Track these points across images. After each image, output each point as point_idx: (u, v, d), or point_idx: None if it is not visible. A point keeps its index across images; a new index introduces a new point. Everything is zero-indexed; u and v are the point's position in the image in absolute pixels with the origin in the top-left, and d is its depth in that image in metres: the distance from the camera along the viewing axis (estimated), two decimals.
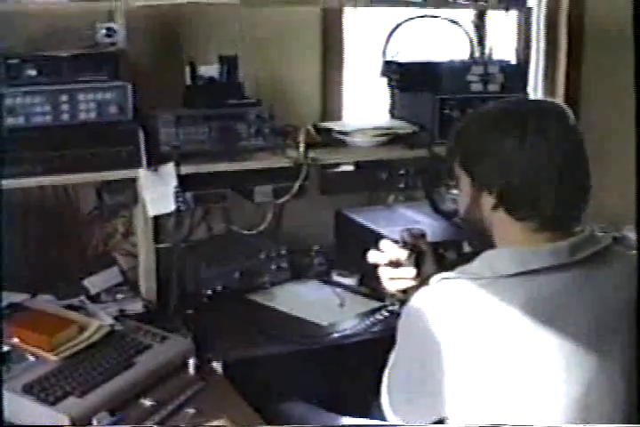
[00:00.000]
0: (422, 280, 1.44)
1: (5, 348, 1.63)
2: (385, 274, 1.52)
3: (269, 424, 1.59)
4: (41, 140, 1.83)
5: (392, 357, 1.39)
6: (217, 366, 1.79)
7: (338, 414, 1.75)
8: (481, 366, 1.25)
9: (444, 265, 1.49)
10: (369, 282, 2.18)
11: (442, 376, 1.27)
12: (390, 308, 1.58)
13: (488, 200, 1.31)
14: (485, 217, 1.34)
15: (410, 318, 1.32)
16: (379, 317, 1.72)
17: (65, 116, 1.85)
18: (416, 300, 1.31)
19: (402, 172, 2.36)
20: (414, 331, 1.30)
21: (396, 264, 1.51)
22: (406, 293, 1.49)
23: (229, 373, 1.78)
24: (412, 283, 1.50)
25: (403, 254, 1.50)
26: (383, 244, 1.53)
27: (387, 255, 1.52)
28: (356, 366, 1.92)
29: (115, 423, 1.53)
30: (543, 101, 1.47)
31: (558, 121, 1.29)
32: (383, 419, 1.40)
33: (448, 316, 1.27)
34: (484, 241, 1.36)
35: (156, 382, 1.67)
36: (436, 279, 1.31)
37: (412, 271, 1.50)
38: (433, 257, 1.52)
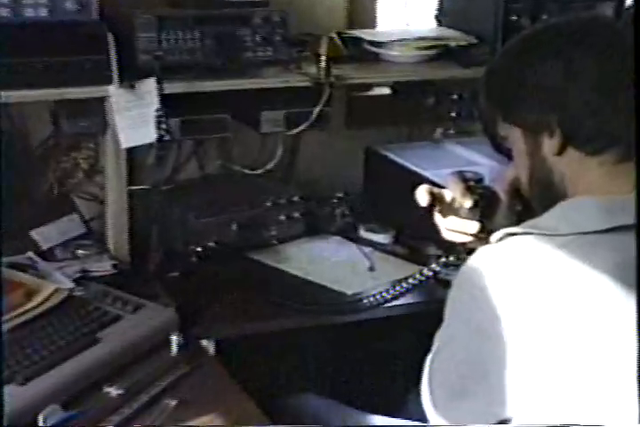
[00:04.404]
0: (490, 236, 1.41)
1: None
2: (440, 221, 1.52)
3: (274, 421, 1.60)
4: None
5: (437, 338, 1.36)
6: (207, 344, 1.79)
7: (363, 412, 1.76)
8: (557, 349, 1.22)
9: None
10: (407, 240, 2.20)
11: (504, 363, 1.24)
12: (437, 268, 1.63)
13: (551, 145, 1.33)
14: (553, 169, 1.35)
15: (463, 286, 1.30)
16: (417, 279, 1.73)
17: (3, 12, 1.81)
18: (473, 263, 1.29)
19: (453, 97, 2.34)
20: (469, 304, 1.28)
21: (453, 211, 1.50)
22: (467, 248, 1.51)
23: (223, 354, 1.78)
24: (468, 238, 1.51)
25: (467, 201, 1.49)
26: (446, 180, 1.53)
27: (445, 198, 1.51)
28: (389, 349, 1.98)
29: (67, 420, 1.50)
30: (585, 16, 1.50)
31: (607, 34, 1.32)
32: (423, 418, 1.39)
33: (515, 284, 1.24)
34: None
35: (127, 365, 1.66)
36: (497, 236, 1.31)
37: (474, 226, 1.49)
38: (507, 210, 1.51)
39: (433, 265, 1.68)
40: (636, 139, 1.25)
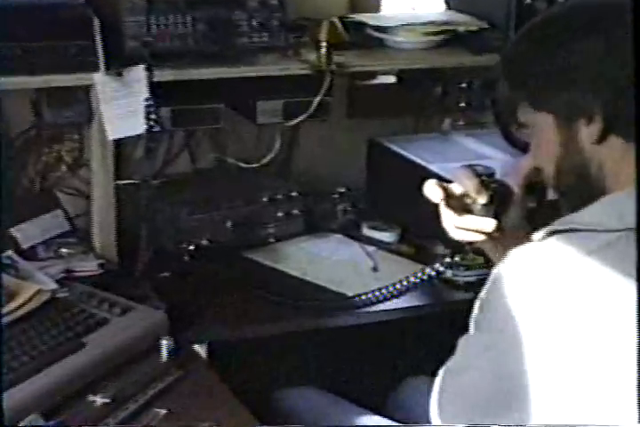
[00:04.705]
0: (502, 235, 1.43)
1: None
2: (451, 219, 1.49)
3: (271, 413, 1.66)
4: None
5: (462, 348, 1.31)
6: (200, 349, 1.79)
7: (364, 409, 1.77)
8: (613, 360, 1.18)
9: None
10: (413, 238, 2.18)
11: (541, 380, 1.20)
12: (439, 268, 1.62)
13: (590, 132, 1.29)
14: (591, 159, 1.31)
15: (502, 291, 1.24)
16: (418, 277, 1.73)
17: None
18: (513, 265, 1.25)
19: (463, 86, 2.33)
20: (509, 312, 1.22)
21: (465, 208, 1.47)
22: (473, 247, 1.50)
23: (217, 359, 1.78)
24: (481, 237, 1.48)
25: (482, 197, 1.46)
26: (457, 174, 1.50)
27: (456, 192, 1.48)
28: (391, 355, 2.00)
29: None
30: None
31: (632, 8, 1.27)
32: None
33: (567, 289, 1.19)
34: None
35: (114, 372, 1.66)
36: (540, 235, 1.26)
37: (490, 223, 1.46)
38: (519, 206, 1.50)
39: (436, 265, 1.67)
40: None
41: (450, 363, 1.33)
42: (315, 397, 1.83)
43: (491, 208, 1.46)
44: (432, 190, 1.49)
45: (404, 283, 1.83)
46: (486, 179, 1.48)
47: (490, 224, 1.47)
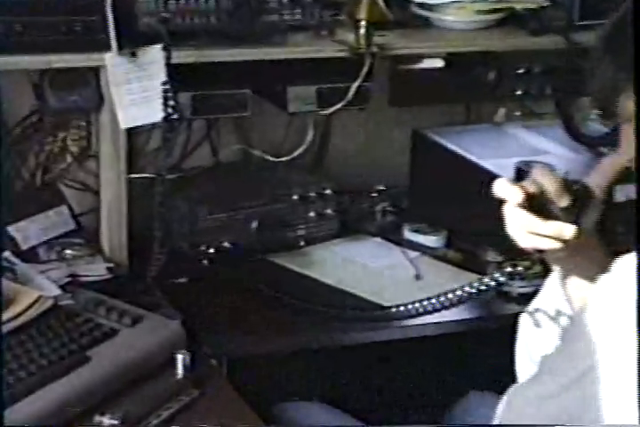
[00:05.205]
0: (578, 243, 1.38)
1: None
2: (525, 223, 1.39)
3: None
4: None
5: (550, 368, 1.30)
6: (219, 364, 1.77)
7: None
8: None
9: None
10: (461, 243, 2.17)
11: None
12: (499, 278, 1.56)
13: None
14: None
15: (609, 306, 1.22)
16: (475, 288, 1.66)
17: None
18: (624, 276, 1.20)
19: (520, 71, 2.30)
20: (614, 328, 1.20)
21: (537, 209, 1.40)
22: (544, 256, 1.43)
23: (238, 375, 1.76)
24: (558, 245, 1.39)
25: (564, 199, 1.40)
26: (535, 172, 1.41)
27: (535, 191, 1.40)
28: (433, 371, 2.01)
29: None
30: None
31: None
32: None
33: None
34: None
35: (123, 390, 1.63)
36: None
37: (571, 230, 1.39)
38: (596, 209, 1.45)
39: (496, 274, 1.58)
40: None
41: (538, 386, 1.30)
42: (320, 410, 1.84)
43: (572, 212, 1.40)
44: (509, 190, 1.40)
45: (457, 293, 1.73)
46: (566, 179, 1.42)
47: (570, 230, 1.39)
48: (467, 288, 1.70)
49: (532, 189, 1.42)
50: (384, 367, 2.08)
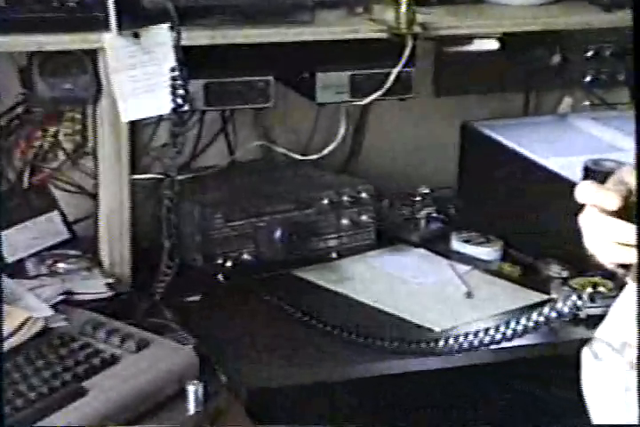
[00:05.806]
0: None
1: None
2: (610, 230, 1.30)
3: None
4: None
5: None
6: (237, 396, 1.73)
7: None
8: None
9: None
10: (519, 256, 2.12)
11: None
12: (577, 302, 1.45)
13: None
14: None
15: None
16: (547, 315, 1.55)
17: None
18: None
19: (589, 53, 2.27)
20: None
21: (624, 215, 1.29)
22: (628, 273, 1.29)
23: (257, 409, 1.72)
24: None
25: None
26: (627, 170, 1.30)
27: (627, 195, 1.30)
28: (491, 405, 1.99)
29: None
30: None
31: None
32: None
33: None
34: None
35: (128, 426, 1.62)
36: None
37: None
38: None
39: (574, 297, 1.46)
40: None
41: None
42: None
43: None
44: (602, 195, 1.31)
45: (522, 323, 1.62)
46: None
47: None
48: (534, 316, 1.57)
49: (624, 192, 1.32)
50: (418, 400, 2.03)
